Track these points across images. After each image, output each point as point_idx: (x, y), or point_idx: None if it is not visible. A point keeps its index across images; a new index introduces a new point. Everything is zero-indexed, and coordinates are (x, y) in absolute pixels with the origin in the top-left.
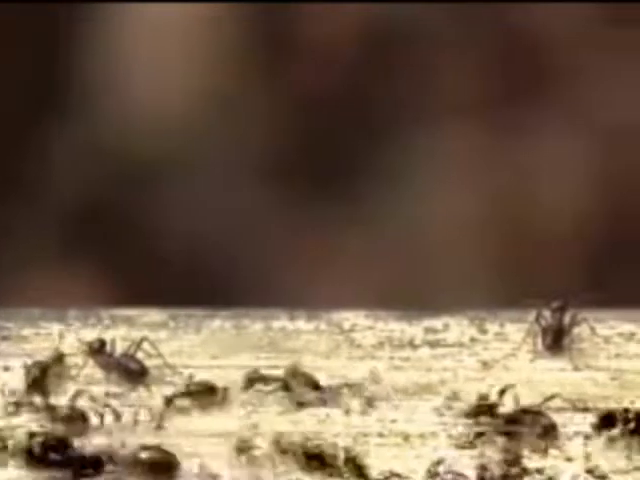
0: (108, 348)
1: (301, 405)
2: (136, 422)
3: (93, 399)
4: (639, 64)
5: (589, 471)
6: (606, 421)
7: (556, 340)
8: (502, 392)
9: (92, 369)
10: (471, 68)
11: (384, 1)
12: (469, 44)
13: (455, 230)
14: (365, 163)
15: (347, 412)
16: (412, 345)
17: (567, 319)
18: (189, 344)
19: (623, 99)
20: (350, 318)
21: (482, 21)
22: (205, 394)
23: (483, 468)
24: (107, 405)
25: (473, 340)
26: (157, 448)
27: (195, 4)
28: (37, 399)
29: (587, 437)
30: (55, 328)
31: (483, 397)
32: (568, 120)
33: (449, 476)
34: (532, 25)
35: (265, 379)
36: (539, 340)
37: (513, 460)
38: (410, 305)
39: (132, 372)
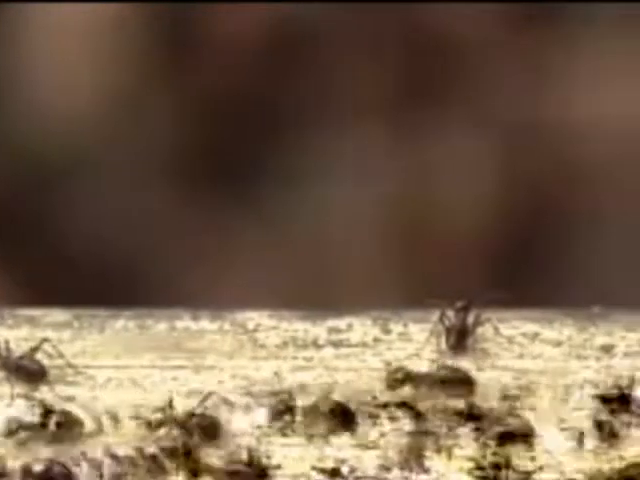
0: (6, 349)
1: None
2: None
3: None
4: (541, 64)
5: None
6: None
7: (460, 340)
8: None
9: None
10: (374, 69)
11: (289, 1)
12: (372, 45)
13: (358, 231)
14: (268, 164)
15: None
16: (316, 345)
17: (470, 319)
18: (92, 344)
19: (524, 99)
20: (254, 318)
21: (386, 21)
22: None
23: (385, 468)
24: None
25: (376, 340)
26: None
27: (100, 4)
28: None
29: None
30: None
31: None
32: (470, 120)
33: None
34: (436, 25)
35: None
36: (443, 340)
37: (417, 457)
38: (314, 305)
39: (31, 373)
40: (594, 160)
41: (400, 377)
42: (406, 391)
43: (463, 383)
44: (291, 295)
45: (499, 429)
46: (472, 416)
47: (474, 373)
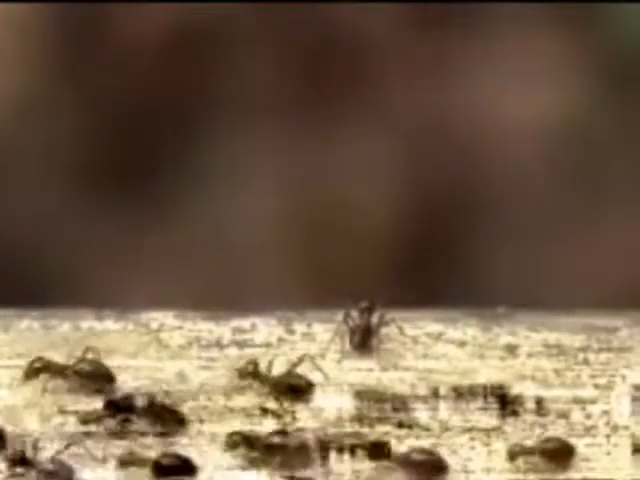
0: None
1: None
2: None
3: None
4: (445, 64)
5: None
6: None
7: (364, 340)
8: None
9: None
10: (277, 69)
11: (194, 1)
12: (276, 44)
13: (264, 231)
14: (174, 164)
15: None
16: (220, 345)
17: (375, 319)
18: None
19: (430, 100)
20: (158, 318)
21: (290, 21)
22: None
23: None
24: None
25: (281, 340)
26: None
27: (2, 4)
28: None
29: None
30: None
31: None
32: (374, 120)
33: None
34: (341, 25)
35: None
36: (347, 340)
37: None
38: (219, 305)
39: None
40: (497, 160)
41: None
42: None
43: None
44: (196, 295)
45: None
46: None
47: (378, 373)
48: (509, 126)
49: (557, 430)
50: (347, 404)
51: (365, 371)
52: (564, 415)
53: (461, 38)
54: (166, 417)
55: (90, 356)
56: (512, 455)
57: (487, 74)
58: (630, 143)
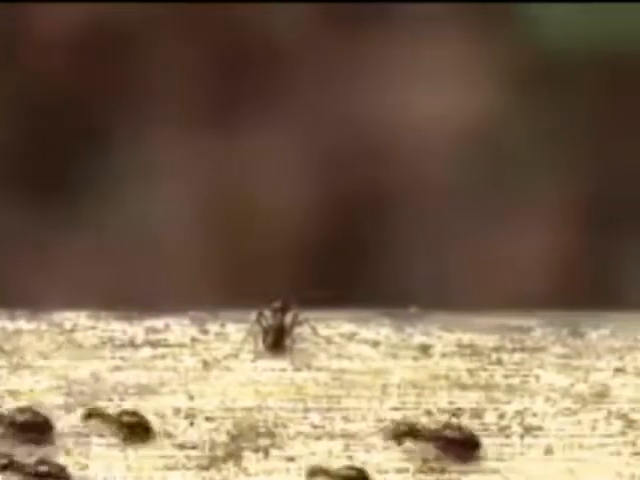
0: None
1: None
2: None
3: None
4: (356, 66)
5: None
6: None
7: (277, 340)
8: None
9: None
10: (191, 68)
11: (107, 1)
12: (190, 44)
13: (177, 231)
14: (89, 163)
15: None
16: (133, 345)
17: (288, 319)
18: None
19: (341, 100)
20: (72, 318)
21: (204, 21)
22: None
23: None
24: None
25: (194, 340)
26: None
27: None
28: None
29: (307, 436)
30: None
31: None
32: (288, 120)
33: None
34: (254, 26)
35: None
36: (260, 340)
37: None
38: (133, 305)
39: None
40: (408, 160)
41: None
42: None
43: None
44: (110, 295)
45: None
46: None
47: (291, 373)
48: (420, 126)
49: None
50: None
51: (278, 371)
52: (478, 415)
53: (373, 38)
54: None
55: None
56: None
57: (398, 74)
58: (540, 144)
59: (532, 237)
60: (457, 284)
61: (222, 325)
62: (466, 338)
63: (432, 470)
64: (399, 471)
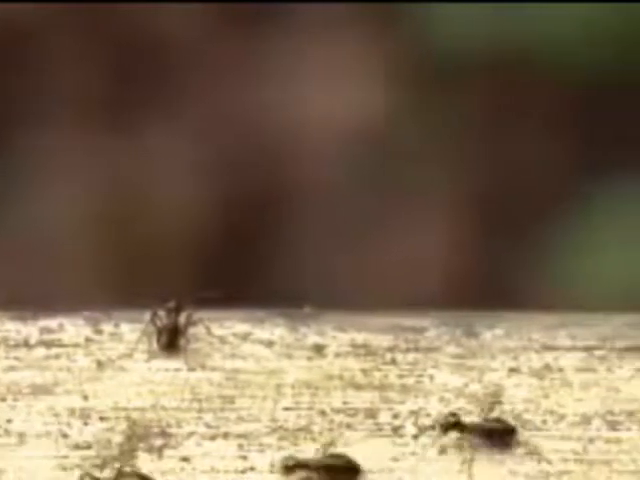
0: None
1: None
2: None
3: None
4: (252, 66)
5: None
6: None
7: (171, 340)
8: None
9: None
10: (91, 68)
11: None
12: (89, 44)
13: (72, 231)
14: None
15: None
16: (27, 345)
17: (182, 319)
18: None
19: (237, 100)
20: None
21: (98, 21)
22: None
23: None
24: None
25: (88, 340)
26: None
27: None
28: None
29: (201, 436)
30: None
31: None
32: (183, 121)
33: None
34: (152, 26)
35: None
36: (154, 340)
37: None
38: (27, 305)
39: None
40: (303, 160)
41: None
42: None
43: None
44: (4, 295)
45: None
46: None
47: (185, 373)
48: (314, 126)
49: (365, 430)
50: None
51: (173, 371)
52: (372, 415)
53: (267, 38)
54: None
55: None
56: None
57: (293, 74)
58: (433, 144)
59: (426, 237)
60: (351, 284)
61: (116, 325)
62: (360, 338)
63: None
64: None
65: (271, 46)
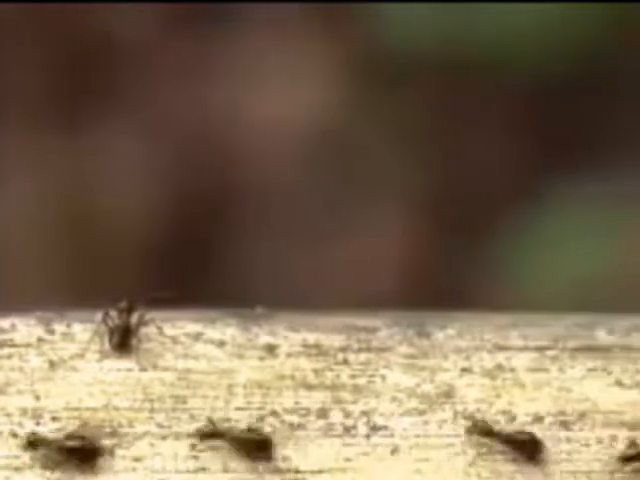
0: None
1: None
2: None
3: None
4: (205, 65)
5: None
6: None
7: (123, 340)
8: None
9: None
10: (36, 68)
11: None
12: (38, 46)
13: (23, 230)
14: None
15: None
16: None
17: (134, 319)
18: None
19: (189, 100)
20: None
21: (54, 23)
22: None
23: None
24: None
25: (40, 340)
26: None
27: None
28: None
29: (153, 436)
30: None
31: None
32: (133, 121)
33: None
34: (103, 27)
35: None
36: (106, 340)
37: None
38: None
39: None
40: (256, 160)
41: None
42: None
43: None
44: None
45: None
46: None
47: (137, 373)
48: (266, 126)
49: (317, 430)
50: None
51: (124, 371)
52: (324, 415)
53: (219, 38)
54: None
55: None
56: None
57: (246, 74)
58: (386, 144)
59: (379, 237)
60: (304, 284)
61: (68, 325)
62: (312, 338)
63: (279, 470)
64: (247, 471)
65: (223, 46)
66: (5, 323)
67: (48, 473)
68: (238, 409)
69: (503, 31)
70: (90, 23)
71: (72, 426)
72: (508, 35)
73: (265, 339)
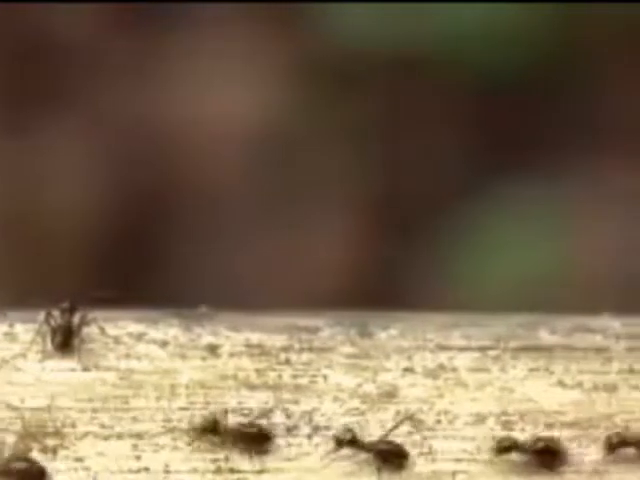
0: None
1: None
2: None
3: None
4: (147, 66)
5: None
6: None
7: (65, 340)
8: None
9: None
10: None
11: None
12: None
13: None
14: None
15: None
16: None
17: (76, 319)
18: None
19: (132, 101)
20: None
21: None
22: None
23: None
24: None
25: None
26: None
27: None
28: None
29: (95, 436)
30: None
31: None
32: (77, 120)
33: None
34: (47, 27)
35: None
36: (49, 340)
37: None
38: None
39: None
40: (199, 161)
41: None
42: None
43: None
44: None
45: None
46: None
47: (79, 373)
48: (210, 125)
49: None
50: None
51: (67, 371)
52: (266, 415)
53: (164, 37)
54: None
55: None
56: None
57: (190, 74)
58: (331, 144)
59: (321, 237)
60: (247, 284)
61: (10, 325)
62: (254, 338)
63: (220, 470)
64: (189, 471)
65: (168, 45)
66: None
67: None
68: (181, 409)
69: (451, 31)
70: (35, 23)
71: (14, 426)
72: (456, 35)
73: (207, 339)
